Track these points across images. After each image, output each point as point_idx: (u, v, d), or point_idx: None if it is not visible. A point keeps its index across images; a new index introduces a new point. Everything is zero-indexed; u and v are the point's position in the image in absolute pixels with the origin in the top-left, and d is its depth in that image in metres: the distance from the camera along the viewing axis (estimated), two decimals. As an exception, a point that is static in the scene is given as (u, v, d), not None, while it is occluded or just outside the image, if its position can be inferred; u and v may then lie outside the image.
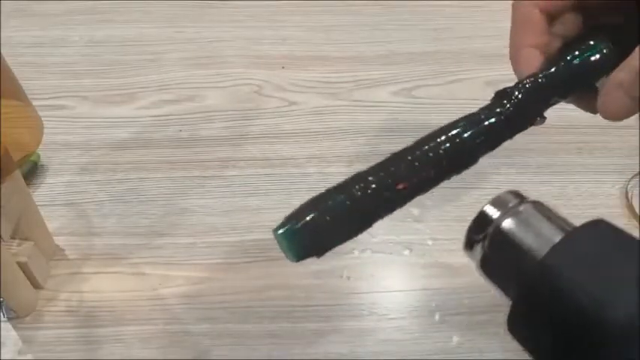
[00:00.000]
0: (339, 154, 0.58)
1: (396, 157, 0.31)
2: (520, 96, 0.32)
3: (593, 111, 0.34)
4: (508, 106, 0.32)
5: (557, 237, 0.27)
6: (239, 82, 0.65)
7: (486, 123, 0.32)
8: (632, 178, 0.56)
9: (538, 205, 0.30)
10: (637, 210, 0.53)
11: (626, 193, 0.55)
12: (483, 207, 0.30)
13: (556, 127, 0.60)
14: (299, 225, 0.29)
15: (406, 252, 0.51)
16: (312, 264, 0.50)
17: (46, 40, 0.70)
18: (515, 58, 0.34)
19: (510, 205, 0.30)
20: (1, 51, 0.40)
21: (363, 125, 0.60)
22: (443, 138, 0.31)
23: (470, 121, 0.32)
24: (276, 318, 0.47)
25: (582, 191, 0.55)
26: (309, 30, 0.71)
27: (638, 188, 0.55)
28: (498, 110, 0.32)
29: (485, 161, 0.57)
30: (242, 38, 0.70)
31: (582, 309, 0.24)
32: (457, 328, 0.47)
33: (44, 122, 0.45)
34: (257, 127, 0.61)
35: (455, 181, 0.58)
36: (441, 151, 0.31)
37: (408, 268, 0.50)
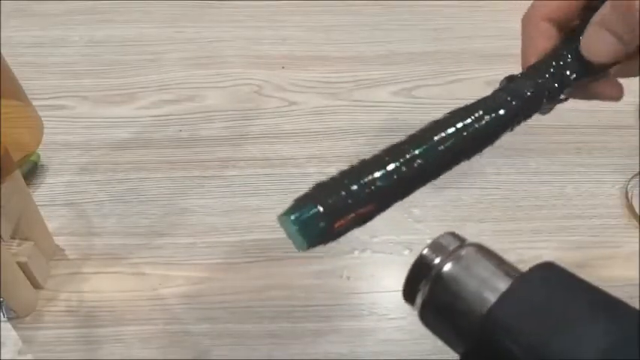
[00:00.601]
0: (339, 154, 0.58)
1: (417, 137, 0.30)
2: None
3: (591, 96, 0.34)
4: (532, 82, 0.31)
5: (502, 284, 0.25)
6: (239, 82, 0.65)
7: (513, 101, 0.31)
8: (632, 178, 0.56)
9: (479, 249, 0.28)
10: (637, 210, 0.53)
11: (626, 193, 0.55)
12: (422, 251, 0.28)
13: (555, 127, 0.60)
14: (315, 210, 0.26)
15: (406, 252, 0.51)
16: (312, 264, 0.50)
17: (46, 40, 0.70)
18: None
19: (451, 248, 0.28)
20: (1, 51, 0.40)
21: (363, 125, 0.60)
22: (467, 121, 0.30)
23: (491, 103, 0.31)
24: (276, 318, 0.47)
25: (582, 191, 0.55)
26: (309, 30, 0.71)
27: (638, 188, 0.55)
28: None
29: (485, 161, 0.57)
30: (242, 38, 0.70)
31: None
32: (457, 328, 0.47)
33: (44, 122, 0.45)
34: (257, 127, 0.61)
35: (455, 181, 0.58)
36: (465, 133, 0.30)
37: (408, 268, 0.50)
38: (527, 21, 0.34)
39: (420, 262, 0.28)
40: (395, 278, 0.50)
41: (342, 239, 0.53)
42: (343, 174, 0.28)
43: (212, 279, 0.49)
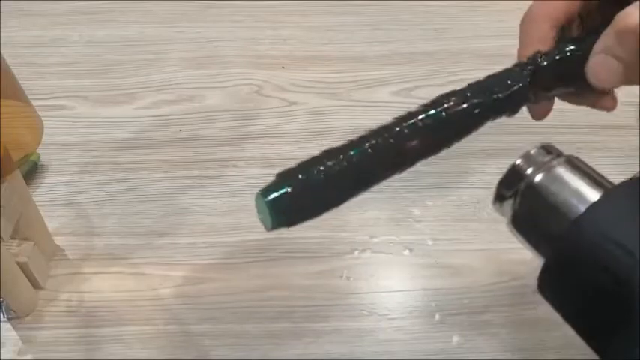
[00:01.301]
0: (339, 154, 0.57)
1: (400, 120, 0.31)
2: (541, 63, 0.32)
3: (582, 103, 0.34)
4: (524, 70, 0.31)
5: (592, 195, 0.26)
6: (239, 82, 0.65)
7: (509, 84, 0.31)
8: (632, 178, 0.56)
9: (572, 161, 0.29)
10: (637, 210, 0.53)
11: (626, 193, 0.55)
12: (515, 161, 0.29)
13: (556, 127, 0.60)
14: (286, 191, 0.28)
15: (406, 252, 0.51)
16: (312, 264, 0.50)
17: (46, 40, 0.70)
18: None
19: (543, 160, 0.29)
20: (1, 51, 0.40)
21: (363, 125, 0.60)
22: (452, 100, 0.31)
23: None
24: (276, 318, 0.47)
25: (582, 191, 0.55)
26: (309, 30, 0.71)
27: (638, 188, 0.55)
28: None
29: (485, 161, 0.57)
30: (242, 38, 0.70)
31: (619, 269, 0.23)
32: (457, 328, 0.47)
33: (44, 122, 0.45)
34: (257, 127, 0.61)
35: (455, 181, 0.58)
36: (445, 114, 0.30)
37: (408, 269, 0.50)
38: (525, 21, 0.34)
39: (512, 171, 0.29)
40: (395, 278, 0.50)
41: (343, 239, 0.53)
42: (321, 155, 0.30)
43: (212, 279, 0.49)
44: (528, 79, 0.31)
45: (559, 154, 0.29)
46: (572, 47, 0.32)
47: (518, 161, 0.29)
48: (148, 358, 0.45)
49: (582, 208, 0.26)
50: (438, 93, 0.70)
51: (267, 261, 0.50)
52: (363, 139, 0.31)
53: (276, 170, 0.60)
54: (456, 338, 0.46)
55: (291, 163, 0.62)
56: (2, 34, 0.68)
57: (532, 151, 0.29)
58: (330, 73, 0.66)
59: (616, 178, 0.56)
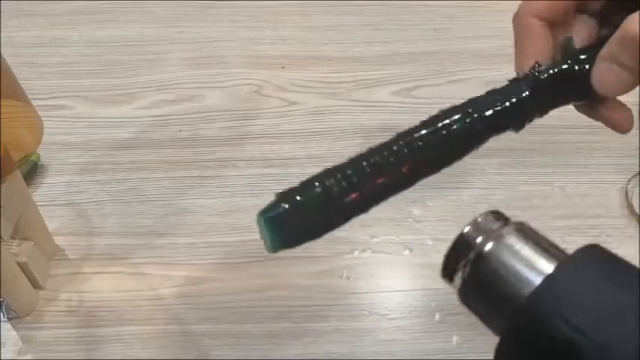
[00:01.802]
0: (339, 154, 0.57)
1: (400, 139, 0.30)
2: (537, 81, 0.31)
3: (597, 118, 0.34)
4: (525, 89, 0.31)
5: (547, 266, 0.25)
6: (239, 82, 0.65)
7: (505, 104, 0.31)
8: (632, 178, 0.56)
9: (522, 228, 0.27)
10: (637, 210, 0.53)
11: (626, 193, 0.55)
12: (463, 230, 0.28)
13: (556, 127, 0.60)
14: (287, 209, 0.28)
15: (406, 252, 0.51)
16: (312, 264, 0.50)
17: (46, 40, 0.70)
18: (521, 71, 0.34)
19: (492, 227, 0.27)
20: (1, 51, 0.40)
21: (363, 125, 0.60)
22: (453, 118, 0.30)
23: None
24: (276, 318, 0.47)
25: (582, 191, 0.55)
26: (309, 30, 0.71)
27: (638, 188, 0.55)
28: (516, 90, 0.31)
29: (485, 161, 0.57)
30: (242, 38, 0.70)
31: (579, 351, 0.22)
32: (457, 328, 0.47)
33: (44, 122, 0.45)
34: (257, 127, 0.61)
35: (455, 181, 0.58)
36: (445, 132, 0.30)
37: (408, 269, 0.50)
38: (516, 20, 0.34)
39: (461, 240, 0.28)
40: (395, 278, 0.50)
41: (343, 239, 0.53)
42: (322, 174, 0.29)
43: (212, 279, 0.49)
44: (527, 93, 0.31)
45: (507, 221, 0.28)
46: (571, 60, 0.32)
47: (466, 229, 0.28)
48: (148, 358, 0.45)
49: (536, 281, 0.25)
50: (438, 93, 0.70)
51: (267, 261, 0.50)
52: (361, 158, 0.30)
53: (276, 170, 0.60)
54: (455, 338, 0.46)
55: (291, 163, 0.63)
56: (2, 34, 0.67)
57: (479, 219, 0.28)
58: (330, 73, 0.66)
59: (616, 178, 0.57)
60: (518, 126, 0.32)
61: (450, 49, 0.68)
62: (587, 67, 0.31)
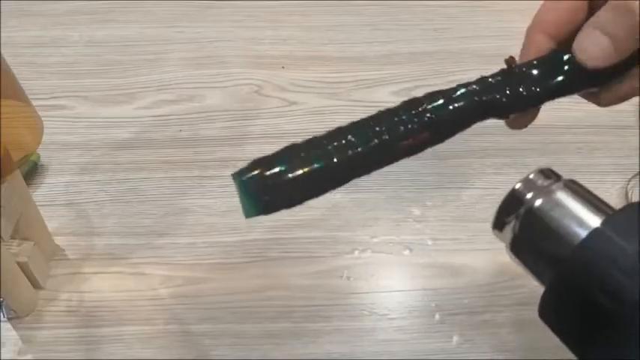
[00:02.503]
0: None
1: (381, 116, 0.31)
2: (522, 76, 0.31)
3: (598, 102, 0.34)
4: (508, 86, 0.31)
5: (593, 221, 0.26)
6: (239, 82, 0.65)
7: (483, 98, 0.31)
8: (632, 178, 0.56)
9: (572, 185, 0.28)
10: (637, 210, 0.53)
11: (626, 193, 0.55)
12: (514, 186, 0.29)
13: (556, 127, 0.60)
14: (267, 175, 0.28)
15: (406, 252, 0.51)
16: (312, 264, 0.50)
17: (46, 40, 0.70)
18: None
19: (543, 184, 0.28)
20: (1, 51, 0.40)
21: (363, 125, 0.60)
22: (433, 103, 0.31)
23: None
24: (276, 318, 0.47)
25: (582, 191, 0.55)
26: (309, 30, 0.71)
27: (638, 188, 0.55)
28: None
29: (485, 161, 0.57)
30: (242, 38, 0.70)
31: (622, 294, 0.23)
32: (457, 328, 0.47)
33: (44, 122, 0.45)
34: (257, 127, 0.61)
35: (455, 181, 0.58)
36: (429, 115, 0.30)
37: (408, 268, 0.50)
38: (528, 33, 0.34)
39: (512, 196, 0.29)
40: (395, 278, 0.50)
41: (343, 239, 0.53)
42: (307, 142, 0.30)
43: (212, 279, 0.49)
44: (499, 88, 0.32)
45: (558, 178, 0.29)
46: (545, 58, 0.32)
47: (518, 185, 0.29)
48: (148, 358, 0.45)
49: (584, 234, 0.26)
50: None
51: (267, 261, 0.50)
52: (343, 132, 0.31)
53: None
54: (455, 338, 0.46)
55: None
56: (2, 34, 0.68)
57: (531, 176, 0.29)
58: (330, 73, 0.66)
59: (616, 178, 0.56)
60: (502, 116, 0.32)
61: (450, 49, 0.68)
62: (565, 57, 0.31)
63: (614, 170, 0.57)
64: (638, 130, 0.59)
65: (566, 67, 0.32)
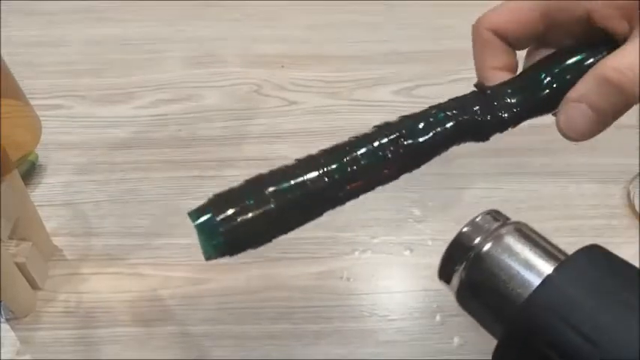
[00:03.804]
0: (339, 154, 0.57)
1: (338, 150, 0.29)
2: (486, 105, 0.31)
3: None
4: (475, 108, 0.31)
5: (545, 267, 0.25)
6: (238, 82, 0.65)
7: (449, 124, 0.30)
8: (633, 178, 0.55)
9: (521, 229, 0.27)
10: (638, 209, 0.53)
11: (627, 193, 0.54)
12: (461, 229, 0.27)
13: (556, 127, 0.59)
14: (220, 219, 0.26)
15: (407, 252, 0.51)
16: (312, 265, 0.50)
17: (44, 40, 0.69)
18: (482, 80, 0.34)
19: (491, 227, 0.27)
20: (1, 51, 0.40)
21: (363, 125, 0.60)
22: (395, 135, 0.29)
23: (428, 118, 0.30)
24: (276, 319, 0.47)
25: (583, 191, 0.55)
26: (309, 29, 0.71)
27: (638, 188, 0.55)
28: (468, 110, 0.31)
29: (486, 161, 0.57)
30: (242, 38, 0.70)
31: (579, 353, 0.22)
32: (458, 330, 0.46)
33: (42, 122, 0.45)
34: (256, 127, 0.60)
35: (456, 181, 0.58)
36: (392, 150, 0.29)
37: (408, 269, 0.50)
38: (474, 27, 0.33)
39: (458, 241, 0.27)
40: (396, 279, 0.50)
41: (343, 240, 0.53)
42: (261, 177, 0.28)
43: (211, 280, 0.49)
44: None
45: (505, 221, 0.27)
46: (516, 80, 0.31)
47: (465, 229, 0.27)
48: (147, 359, 0.45)
49: (535, 282, 0.24)
50: (439, 92, 0.69)
51: (267, 262, 0.50)
52: (316, 160, 0.29)
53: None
54: (456, 339, 0.46)
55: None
56: (2, 34, 0.67)
57: (477, 219, 0.27)
58: (330, 73, 0.66)
59: (616, 178, 0.56)
60: (480, 139, 0.32)
61: (450, 48, 0.68)
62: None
63: (615, 170, 0.57)
64: (638, 130, 0.59)
65: (543, 87, 0.31)
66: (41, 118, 0.45)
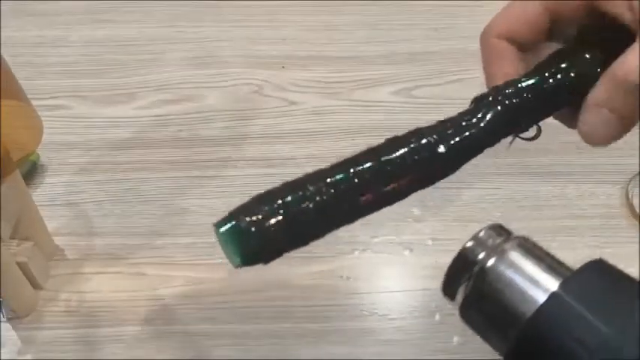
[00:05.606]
0: (339, 154, 0.57)
1: (368, 158, 0.29)
2: (500, 106, 0.30)
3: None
4: (489, 115, 0.30)
5: (550, 283, 0.24)
6: (239, 82, 0.65)
7: (467, 133, 0.30)
8: (632, 178, 0.55)
9: (525, 243, 0.26)
10: (637, 210, 0.53)
11: (627, 193, 0.55)
12: (464, 244, 0.26)
13: (556, 126, 0.59)
14: (248, 222, 0.26)
15: (407, 252, 0.51)
16: (312, 264, 0.50)
17: (45, 40, 0.70)
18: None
19: (495, 242, 0.26)
20: (1, 51, 0.40)
21: (363, 125, 0.60)
22: (417, 144, 0.29)
23: (448, 127, 0.30)
24: (276, 318, 0.47)
25: (583, 191, 0.55)
26: (309, 30, 0.71)
27: (638, 188, 0.55)
28: (479, 116, 0.30)
29: (486, 161, 0.57)
30: (242, 38, 0.70)
31: None
32: (458, 329, 0.46)
33: (44, 122, 0.45)
34: (257, 127, 0.61)
35: (455, 181, 0.58)
36: (415, 159, 0.29)
37: (408, 269, 0.50)
38: (482, 38, 0.33)
39: (462, 256, 0.26)
40: (395, 278, 0.50)
41: (343, 239, 0.53)
42: (289, 185, 0.28)
43: (212, 279, 0.49)
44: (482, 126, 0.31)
45: (509, 236, 0.27)
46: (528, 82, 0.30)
47: (468, 244, 0.26)
48: (148, 359, 0.45)
49: (541, 298, 0.24)
50: (438, 93, 0.70)
51: (267, 261, 0.50)
52: (323, 175, 0.29)
53: (276, 170, 0.60)
54: (456, 339, 0.46)
55: (291, 163, 0.63)
56: (2, 34, 0.67)
57: (481, 233, 0.27)
58: (330, 73, 0.66)
59: (616, 178, 0.56)
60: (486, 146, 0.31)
61: (450, 49, 0.68)
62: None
63: (614, 170, 0.57)
64: (638, 130, 0.59)
65: (551, 88, 0.31)
66: (42, 119, 0.45)
